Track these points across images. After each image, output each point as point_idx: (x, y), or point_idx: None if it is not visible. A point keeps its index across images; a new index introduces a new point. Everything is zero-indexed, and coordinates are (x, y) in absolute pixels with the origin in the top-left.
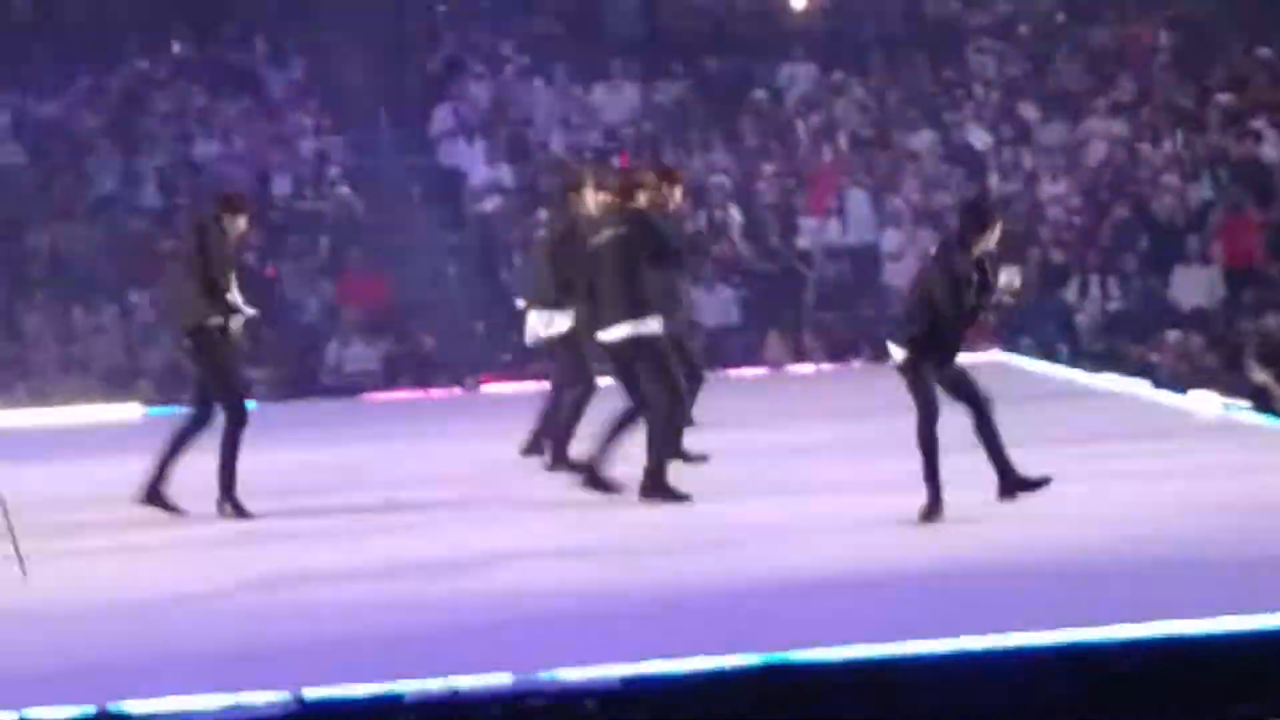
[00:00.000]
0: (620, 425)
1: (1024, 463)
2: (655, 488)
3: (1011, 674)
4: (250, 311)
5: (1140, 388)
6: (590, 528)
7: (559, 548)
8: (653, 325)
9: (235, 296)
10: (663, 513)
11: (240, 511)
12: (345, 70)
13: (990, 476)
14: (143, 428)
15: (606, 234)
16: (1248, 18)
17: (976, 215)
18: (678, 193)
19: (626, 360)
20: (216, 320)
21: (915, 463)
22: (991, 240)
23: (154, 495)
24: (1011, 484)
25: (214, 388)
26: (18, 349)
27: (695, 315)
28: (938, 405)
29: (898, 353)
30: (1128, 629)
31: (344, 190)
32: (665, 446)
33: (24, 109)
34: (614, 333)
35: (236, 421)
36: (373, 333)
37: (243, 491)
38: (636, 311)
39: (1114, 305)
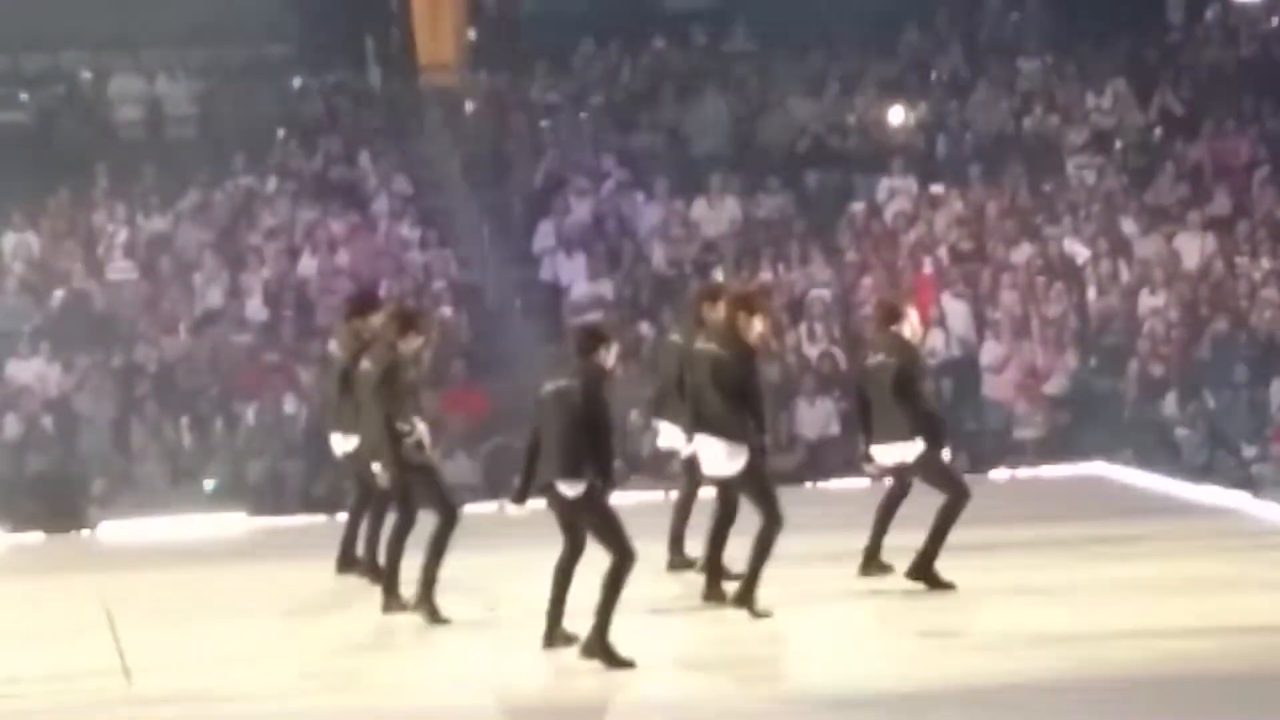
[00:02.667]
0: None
1: (1122, 574)
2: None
3: None
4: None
5: (1242, 500)
6: (688, 632)
7: (657, 653)
8: None
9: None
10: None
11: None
12: (449, 186)
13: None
14: (247, 538)
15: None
16: None
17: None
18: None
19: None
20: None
21: (1003, 571)
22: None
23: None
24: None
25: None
26: (125, 462)
27: (797, 428)
28: None
29: None
30: None
31: (445, 310)
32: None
33: (134, 225)
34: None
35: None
36: (474, 444)
37: (344, 602)
38: None
39: (1215, 418)
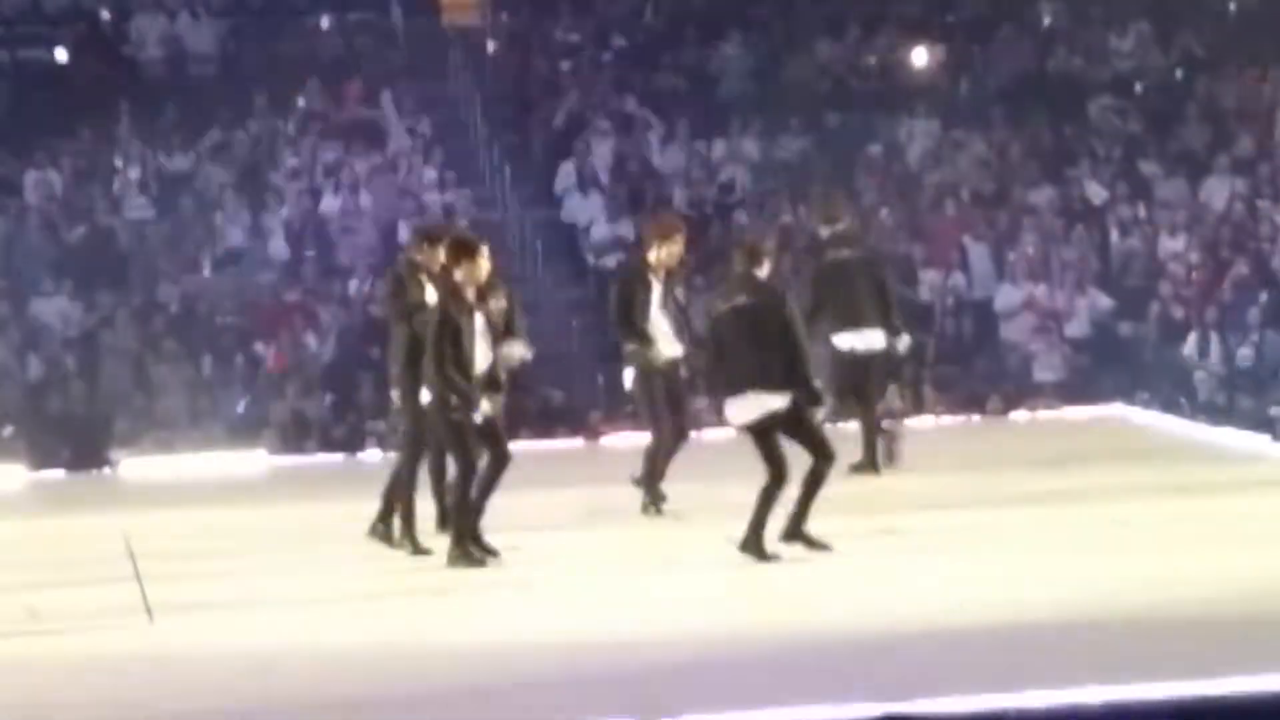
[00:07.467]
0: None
1: (1141, 516)
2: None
3: None
4: None
5: (1260, 443)
6: (709, 575)
7: (678, 595)
8: None
9: None
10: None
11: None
12: (470, 126)
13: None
14: (268, 477)
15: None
16: None
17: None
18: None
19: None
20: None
21: (1025, 512)
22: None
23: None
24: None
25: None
26: (146, 400)
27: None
28: None
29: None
30: (1247, 682)
31: None
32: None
33: (154, 164)
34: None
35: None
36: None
37: (365, 542)
38: None
39: (1233, 360)
